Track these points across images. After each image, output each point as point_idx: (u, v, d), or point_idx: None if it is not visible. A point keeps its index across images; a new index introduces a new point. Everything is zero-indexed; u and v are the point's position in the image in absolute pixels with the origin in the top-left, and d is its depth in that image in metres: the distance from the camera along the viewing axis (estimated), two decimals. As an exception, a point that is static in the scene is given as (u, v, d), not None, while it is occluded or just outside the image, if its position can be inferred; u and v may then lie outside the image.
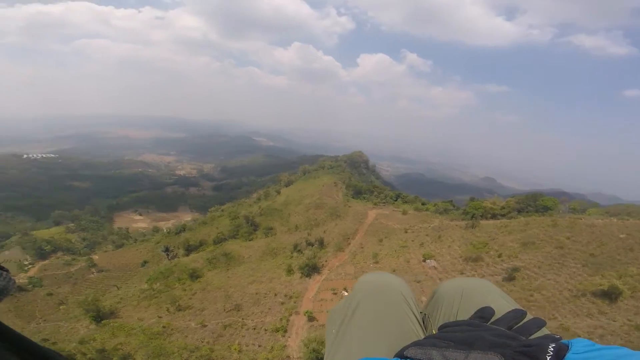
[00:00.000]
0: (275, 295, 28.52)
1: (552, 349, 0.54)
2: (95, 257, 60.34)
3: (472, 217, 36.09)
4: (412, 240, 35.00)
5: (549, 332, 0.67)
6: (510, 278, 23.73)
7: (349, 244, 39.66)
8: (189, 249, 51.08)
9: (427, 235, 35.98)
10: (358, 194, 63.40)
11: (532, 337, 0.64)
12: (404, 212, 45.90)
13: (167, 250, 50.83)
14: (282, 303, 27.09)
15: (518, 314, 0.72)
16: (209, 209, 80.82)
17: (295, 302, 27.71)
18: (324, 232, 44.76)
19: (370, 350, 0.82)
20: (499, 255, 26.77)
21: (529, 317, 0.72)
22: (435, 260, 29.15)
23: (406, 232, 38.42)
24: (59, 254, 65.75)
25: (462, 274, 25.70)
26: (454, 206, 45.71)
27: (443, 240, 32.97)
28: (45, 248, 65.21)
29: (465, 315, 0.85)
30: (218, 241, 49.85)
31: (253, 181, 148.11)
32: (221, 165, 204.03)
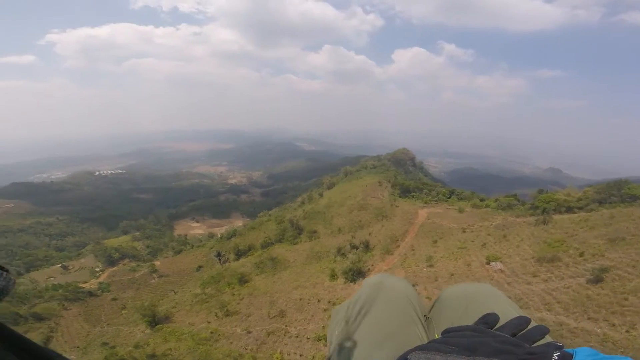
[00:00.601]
0: (319, 301, 27.23)
1: (556, 357, 0.54)
2: (157, 263, 65.07)
3: (544, 211, 31.44)
4: (472, 241, 31.32)
5: (552, 340, 0.67)
6: (596, 280, 19.69)
7: (398, 246, 37.00)
8: (239, 254, 52.20)
9: (489, 234, 32.04)
10: (406, 192, 59.86)
11: (536, 344, 0.64)
12: (460, 210, 41.80)
13: (219, 255, 52.45)
14: (325, 310, 25.69)
15: (522, 321, 0.71)
16: (258, 215, 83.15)
17: (338, 309, 25.91)
18: (370, 234, 42.54)
19: (375, 352, 0.82)
20: (581, 254, 22.51)
21: (532, 324, 0.72)
22: (501, 262, 25.57)
23: (464, 231, 34.70)
24: (126, 260, 71.46)
25: (535, 276, 22.04)
26: (518, 201, 40.43)
27: (509, 240, 28.99)
28: (114, 255, 71.03)
29: (469, 320, 0.84)
30: (265, 245, 50.23)
31: (297, 185, 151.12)
32: (268, 172, 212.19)
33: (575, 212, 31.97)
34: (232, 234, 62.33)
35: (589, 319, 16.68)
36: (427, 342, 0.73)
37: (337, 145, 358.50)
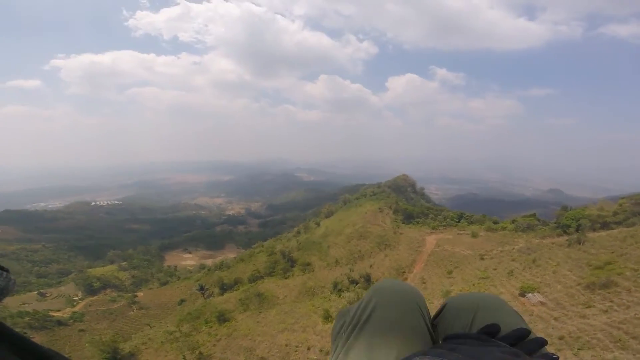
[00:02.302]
0: (308, 349, 21.90)
1: None
2: (140, 294, 61.21)
3: (578, 229, 26.94)
4: (494, 269, 26.52)
5: (548, 352, 0.70)
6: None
7: (406, 279, 32.05)
8: (224, 288, 46.76)
9: (513, 260, 27.28)
10: (409, 218, 55.25)
11: (534, 355, 0.67)
12: (474, 235, 37.10)
13: (202, 289, 47.09)
14: (315, 362, 20.45)
15: (522, 333, 0.73)
16: (252, 246, 79.59)
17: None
18: (371, 265, 37.57)
19: (382, 357, 0.81)
20: (644, 277, 17.90)
21: (532, 336, 0.73)
22: (539, 292, 20.68)
23: (482, 259, 29.93)
24: (108, 290, 67.55)
25: (589, 307, 17.21)
26: (539, 220, 35.97)
27: (541, 265, 24.19)
28: (95, 285, 67.00)
29: (476, 329, 0.85)
30: (253, 279, 44.92)
31: (296, 216, 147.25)
32: (267, 203, 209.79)
33: (613, 228, 27.55)
34: (220, 266, 56.83)
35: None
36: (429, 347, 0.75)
37: (337, 175, 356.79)
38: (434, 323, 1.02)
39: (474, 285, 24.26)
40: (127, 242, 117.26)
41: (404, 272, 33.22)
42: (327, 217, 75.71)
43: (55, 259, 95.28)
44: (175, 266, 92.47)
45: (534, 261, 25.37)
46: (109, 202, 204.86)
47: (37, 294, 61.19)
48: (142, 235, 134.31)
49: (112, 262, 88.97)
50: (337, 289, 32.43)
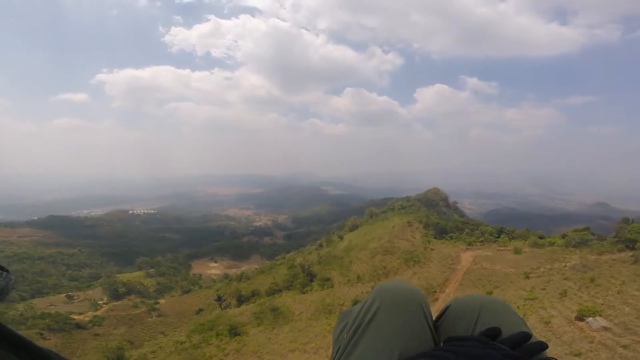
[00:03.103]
0: (317, 375, 19.13)
1: None
2: (162, 301, 61.90)
3: None
4: (543, 289, 22.26)
5: (548, 356, 0.71)
6: None
7: (437, 299, 28.23)
8: (241, 300, 44.91)
9: (565, 278, 22.94)
10: (442, 233, 50.74)
11: (534, 358, 0.69)
12: (517, 251, 32.39)
13: (219, 299, 45.57)
14: (324, 389, 17.56)
15: (523, 336, 0.74)
16: (275, 257, 78.29)
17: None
18: (397, 284, 33.97)
19: (385, 358, 0.81)
20: None
21: (533, 339, 0.74)
22: (602, 316, 16.59)
23: (528, 277, 25.64)
24: (132, 296, 68.86)
25: None
26: (594, 234, 30.85)
27: (602, 285, 19.87)
28: (120, 290, 68.54)
29: (478, 332, 0.85)
30: (271, 292, 42.66)
31: (321, 229, 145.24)
32: (293, 216, 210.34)
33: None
34: (240, 277, 55.31)
35: None
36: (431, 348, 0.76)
37: (364, 189, 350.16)
38: (437, 324, 1.01)
39: (518, 307, 20.19)
40: (158, 249, 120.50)
41: (434, 291, 29.34)
42: (351, 230, 72.54)
43: (88, 263, 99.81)
44: (200, 275, 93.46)
45: (592, 280, 20.99)
46: (145, 211, 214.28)
47: (66, 296, 63.46)
48: (173, 244, 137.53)
49: (140, 269, 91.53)
50: (357, 307, 29.30)
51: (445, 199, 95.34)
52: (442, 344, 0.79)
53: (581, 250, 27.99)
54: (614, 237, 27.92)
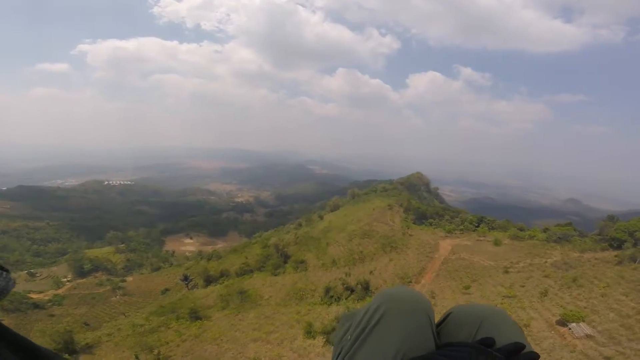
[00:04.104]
0: (278, 369, 17.21)
1: None
2: (130, 279, 59.32)
3: (635, 244, 21.23)
4: (522, 286, 20.95)
5: None
6: None
7: (412, 290, 26.49)
8: (210, 280, 42.66)
9: (546, 276, 21.66)
10: (422, 218, 49.57)
11: None
12: (497, 243, 31.30)
13: (186, 279, 43.11)
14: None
15: (517, 346, 0.76)
16: (253, 235, 75.85)
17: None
18: (372, 272, 32.25)
19: None
20: None
21: (527, 349, 0.77)
22: (585, 322, 15.19)
23: (507, 272, 24.40)
24: (99, 273, 65.64)
25: None
26: (576, 230, 29.87)
27: (584, 286, 18.59)
28: (86, 267, 65.05)
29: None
30: (241, 273, 40.57)
31: (304, 208, 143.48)
32: (276, 193, 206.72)
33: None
34: (211, 256, 52.85)
35: None
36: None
37: (350, 170, 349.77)
38: (437, 330, 1.02)
39: (496, 305, 18.49)
40: (132, 223, 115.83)
41: (410, 281, 27.93)
42: (332, 210, 70.81)
43: (56, 237, 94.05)
44: (174, 251, 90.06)
45: (574, 280, 19.68)
46: (122, 182, 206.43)
47: (27, 273, 60.17)
48: (149, 218, 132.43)
49: (110, 244, 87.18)
50: (329, 295, 27.38)
51: (427, 184, 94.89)
52: (441, 349, 0.81)
53: (562, 246, 26.92)
54: (597, 235, 26.82)
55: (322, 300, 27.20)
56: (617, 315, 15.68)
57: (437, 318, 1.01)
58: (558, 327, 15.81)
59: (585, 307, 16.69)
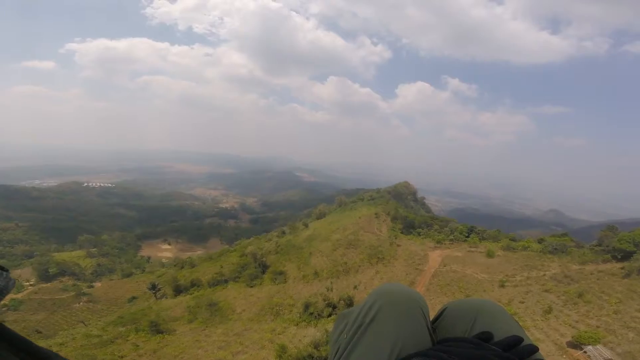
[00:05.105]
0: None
1: None
2: (98, 285, 56.11)
3: None
4: (522, 302, 18.86)
5: (540, 358, 0.73)
6: None
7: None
8: (179, 290, 39.11)
9: (546, 290, 19.70)
10: (410, 228, 47.42)
11: None
12: (490, 254, 29.19)
13: (154, 288, 39.48)
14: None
15: (515, 340, 0.75)
16: (235, 242, 72.49)
17: None
18: (356, 286, 29.66)
19: (385, 357, 0.83)
20: None
21: (525, 342, 0.76)
22: (602, 344, 13.04)
23: (503, 286, 22.40)
24: (66, 278, 61.41)
25: None
26: (573, 241, 28.13)
27: (592, 302, 16.67)
28: (51, 270, 60.61)
29: (474, 335, 0.88)
30: (214, 283, 37.14)
31: (290, 215, 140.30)
32: (263, 200, 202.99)
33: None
34: (183, 264, 49.24)
35: None
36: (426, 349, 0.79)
37: (338, 178, 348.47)
38: (433, 326, 1.03)
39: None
40: (108, 227, 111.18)
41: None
42: (318, 218, 68.18)
43: (25, 239, 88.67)
44: (149, 257, 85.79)
45: (579, 295, 17.69)
46: (102, 184, 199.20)
47: None
48: (127, 222, 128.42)
49: (81, 247, 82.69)
50: (308, 311, 24.49)
51: (414, 194, 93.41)
52: (439, 345, 0.80)
53: (560, 258, 24.98)
54: (597, 246, 25.04)
55: (300, 318, 24.31)
56: (637, 334, 13.61)
57: (432, 315, 1.00)
58: (570, 350, 13.59)
59: (598, 327, 14.59)
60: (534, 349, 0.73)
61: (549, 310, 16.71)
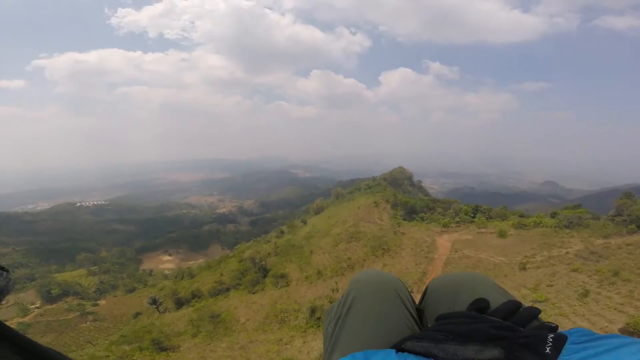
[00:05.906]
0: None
1: (550, 340, 0.52)
2: (103, 302, 54.87)
3: None
4: (550, 285, 17.08)
5: (544, 321, 0.66)
6: None
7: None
8: (181, 302, 37.44)
9: (574, 270, 18.08)
10: (411, 213, 46.08)
11: (528, 326, 0.64)
12: (502, 234, 27.70)
13: (154, 302, 37.77)
14: None
15: (513, 305, 0.72)
16: (236, 246, 71.13)
17: None
18: (363, 280, 28.22)
19: (366, 346, 0.80)
20: None
21: (523, 306, 0.72)
22: None
23: (524, 269, 20.76)
24: (70, 298, 60.11)
25: None
26: (589, 213, 26.81)
27: (633, 280, 15.13)
28: (54, 291, 59.06)
29: (460, 308, 0.85)
30: (215, 293, 35.45)
31: (289, 213, 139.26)
32: (260, 201, 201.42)
33: None
34: (182, 274, 47.57)
35: None
36: (420, 331, 0.76)
37: (333, 171, 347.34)
38: (421, 307, 1.01)
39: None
40: (107, 243, 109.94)
41: (412, 291, 23.57)
42: (316, 213, 66.80)
43: (24, 263, 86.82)
44: (151, 270, 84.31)
45: (615, 273, 16.09)
46: (95, 203, 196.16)
47: None
48: (125, 237, 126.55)
49: (81, 266, 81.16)
50: (314, 316, 22.85)
51: (410, 178, 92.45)
52: (431, 324, 0.77)
53: (579, 232, 23.46)
54: (616, 216, 23.54)
55: (307, 324, 22.74)
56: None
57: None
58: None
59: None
60: (535, 312, 0.68)
61: (585, 294, 15.10)
